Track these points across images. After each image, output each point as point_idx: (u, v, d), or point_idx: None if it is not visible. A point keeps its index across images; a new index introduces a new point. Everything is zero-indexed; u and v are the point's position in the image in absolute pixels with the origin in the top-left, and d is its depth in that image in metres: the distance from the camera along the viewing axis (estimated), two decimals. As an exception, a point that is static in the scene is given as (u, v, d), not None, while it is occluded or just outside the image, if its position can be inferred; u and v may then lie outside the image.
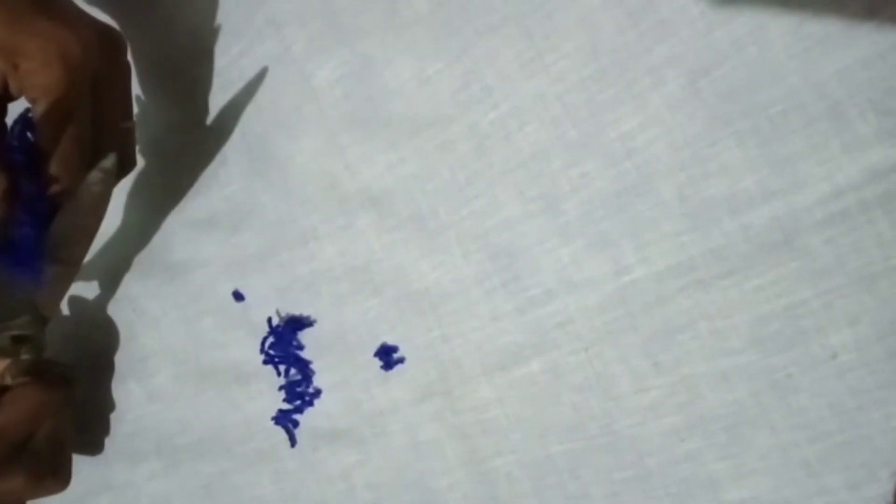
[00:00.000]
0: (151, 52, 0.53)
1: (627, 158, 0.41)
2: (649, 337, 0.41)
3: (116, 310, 0.57)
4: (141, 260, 0.55)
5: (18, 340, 0.46)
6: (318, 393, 0.51)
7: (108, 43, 0.45)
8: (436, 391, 0.47)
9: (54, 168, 0.42)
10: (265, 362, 0.51)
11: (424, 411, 0.47)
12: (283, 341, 0.50)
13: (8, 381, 0.45)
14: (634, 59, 0.40)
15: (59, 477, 0.47)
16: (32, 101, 0.43)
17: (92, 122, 0.44)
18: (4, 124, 0.45)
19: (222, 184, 0.53)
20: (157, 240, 0.55)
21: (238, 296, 0.52)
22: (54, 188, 0.42)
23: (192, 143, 0.53)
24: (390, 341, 0.48)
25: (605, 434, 0.43)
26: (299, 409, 0.51)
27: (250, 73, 0.51)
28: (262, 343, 0.51)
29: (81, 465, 0.60)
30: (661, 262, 0.41)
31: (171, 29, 0.53)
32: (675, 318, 0.41)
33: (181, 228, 0.54)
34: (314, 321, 0.50)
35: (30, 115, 0.43)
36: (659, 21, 0.40)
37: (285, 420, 0.52)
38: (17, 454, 0.44)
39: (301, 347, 0.50)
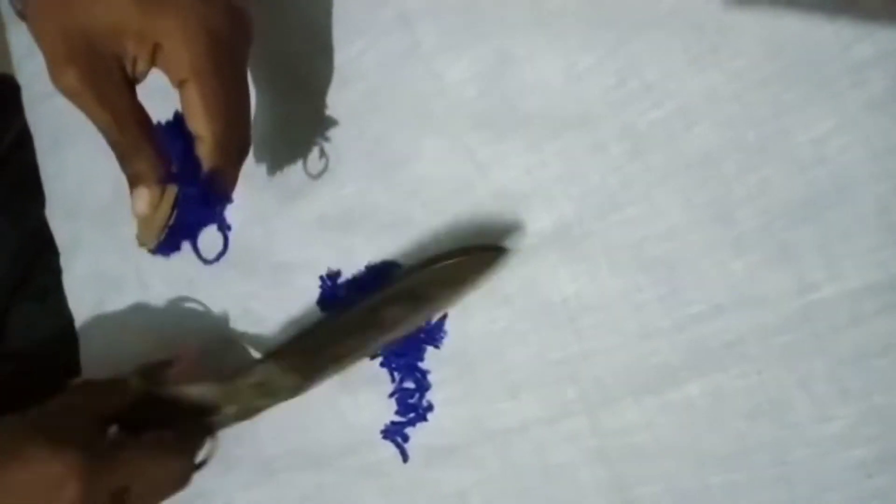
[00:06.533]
0: (262, 45, 0.44)
1: (818, 164, 0.33)
2: (837, 361, 0.33)
3: (216, 307, 0.48)
4: (245, 259, 0.46)
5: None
6: (430, 407, 0.42)
7: (243, 20, 0.37)
8: (573, 411, 0.38)
9: (206, 152, 0.34)
10: (382, 364, 0.42)
11: (559, 432, 0.39)
12: (410, 350, 0.41)
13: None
14: (830, 57, 0.32)
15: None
16: (180, 83, 0.34)
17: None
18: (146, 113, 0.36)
19: (336, 184, 0.44)
20: (263, 240, 0.46)
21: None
22: (211, 174, 0.34)
23: (304, 141, 0.45)
24: (519, 355, 0.40)
25: (776, 465, 0.34)
26: (411, 423, 0.42)
27: (373, 70, 0.42)
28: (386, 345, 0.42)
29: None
30: (855, 280, 0.32)
31: (285, 21, 0.44)
32: (869, 341, 0.32)
33: (288, 229, 0.45)
34: (446, 332, 0.41)
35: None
36: (861, 17, 0.32)
37: (395, 433, 0.43)
38: None
39: (422, 358, 0.42)
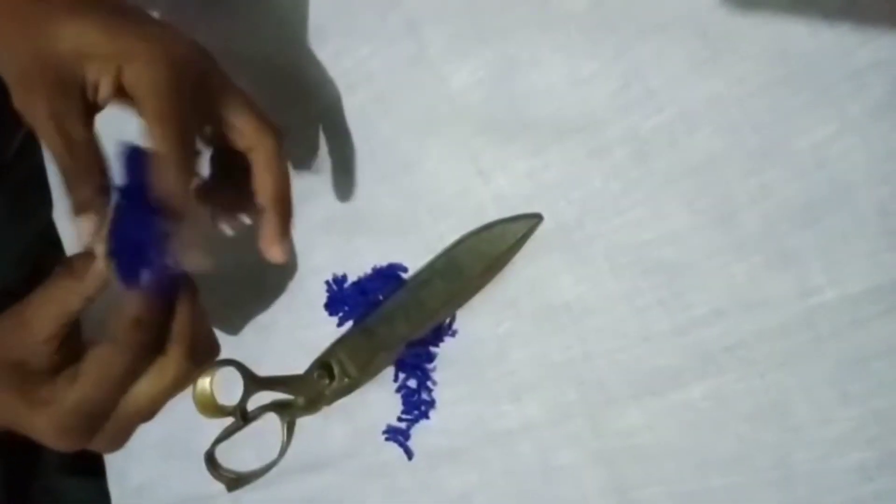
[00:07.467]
0: (269, 50, 0.45)
1: (819, 169, 0.33)
2: (838, 364, 0.33)
3: (225, 313, 0.48)
4: (249, 264, 0.46)
5: None
6: (433, 403, 0.42)
7: (202, 51, 0.37)
8: (575, 413, 0.38)
9: (162, 172, 0.32)
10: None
11: (560, 433, 0.39)
12: (417, 351, 0.41)
13: None
14: (831, 63, 0.32)
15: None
16: (139, 100, 0.33)
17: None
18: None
19: (341, 188, 0.44)
20: (269, 243, 0.46)
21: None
22: (160, 192, 0.33)
23: (310, 145, 0.45)
24: (522, 357, 0.40)
25: (777, 467, 0.34)
26: (416, 419, 0.43)
27: (380, 75, 0.42)
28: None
29: (175, 474, 0.51)
30: (856, 284, 0.32)
31: (292, 27, 0.45)
32: (870, 344, 0.32)
33: (294, 232, 0.45)
34: (456, 330, 0.41)
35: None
36: (862, 24, 0.32)
37: (397, 434, 0.43)
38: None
39: (431, 359, 0.42)
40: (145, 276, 0.32)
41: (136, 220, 0.32)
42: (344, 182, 0.43)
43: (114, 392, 0.32)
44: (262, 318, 0.46)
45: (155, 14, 0.48)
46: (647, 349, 0.36)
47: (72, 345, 0.33)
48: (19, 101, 0.33)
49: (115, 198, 0.32)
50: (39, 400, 0.32)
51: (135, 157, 0.32)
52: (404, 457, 0.42)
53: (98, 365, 0.31)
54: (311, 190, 0.44)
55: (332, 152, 0.43)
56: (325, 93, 0.43)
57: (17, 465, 0.54)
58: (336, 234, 0.44)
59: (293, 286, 0.45)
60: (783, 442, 0.33)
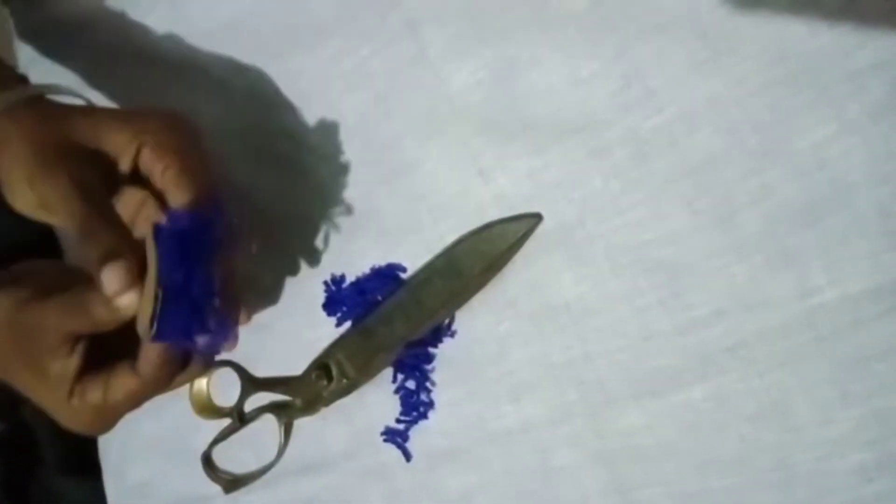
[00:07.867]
0: (269, 52, 0.45)
1: (819, 170, 0.33)
2: (838, 365, 0.32)
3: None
4: (246, 264, 0.46)
5: None
6: (432, 404, 0.42)
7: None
8: (575, 413, 0.38)
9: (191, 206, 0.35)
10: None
11: (560, 434, 0.39)
12: (416, 352, 0.41)
13: None
14: (831, 64, 0.32)
15: None
16: (164, 169, 0.36)
17: None
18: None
19: (341, 188, 0.44)
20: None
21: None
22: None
23: (310, 146, 0.45)
24: (523, 357, 0.40)
25: (778, 468, 0.34)
26: (414, 421, 0.42)
27: (381, 76, 0.42)
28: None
29: (172, 475, 0.50)
30: (856, 284, 0.32)
31: (292, 28, 0.44)
32: (870, 345, 0.32)
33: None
34: (455, 331, 0.41)
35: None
36: (861, 25, 0.32)
37: (395, 435, 0.43)
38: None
39: (430, 360, 0.41)
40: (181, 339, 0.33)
41: (177, 291, 0.32)
42: (344, 182, 0.43)
43: (139, 405, 0.35)
44: (260, 319, 0.46)
45: (155, 13, 0.48)
46: (647, 349, 0.36)
47: (93, 344, 0.35)
48: (36, 185, 0.33)
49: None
50: (73, 406, 0.34)
51: (170, 233, 0.33)
52: (403, 458, 0.42)
53: (124, 393, 0.34)
54: (311, 191, 0.44)
55: (332, 153, 0.43)
56: (325, 93, 0.43)
57: (17, 465, 0.54)
58: (336, 235, 0.44)
59: (291, 286, 0.45)
60: (784, 442, 0.33)
